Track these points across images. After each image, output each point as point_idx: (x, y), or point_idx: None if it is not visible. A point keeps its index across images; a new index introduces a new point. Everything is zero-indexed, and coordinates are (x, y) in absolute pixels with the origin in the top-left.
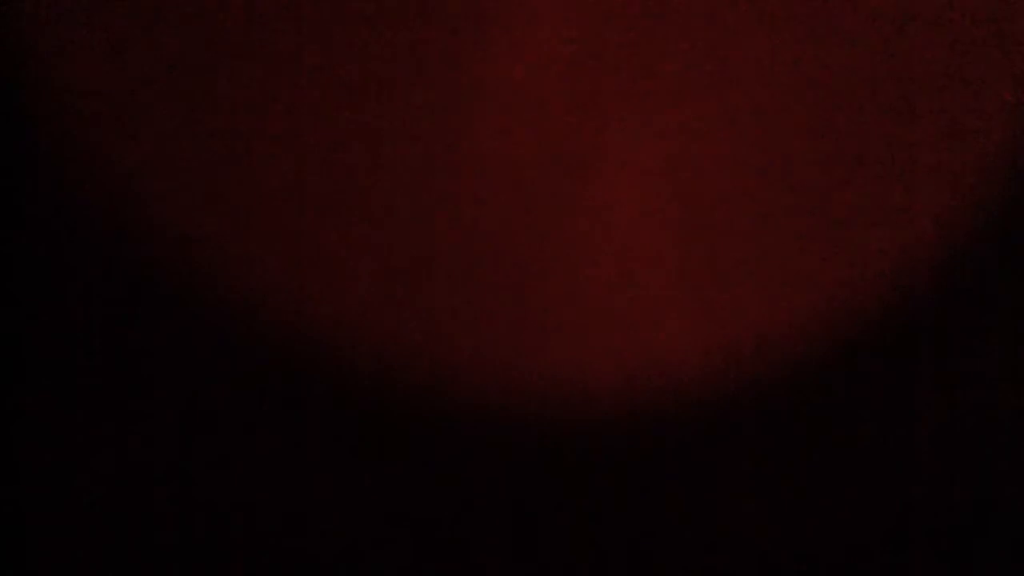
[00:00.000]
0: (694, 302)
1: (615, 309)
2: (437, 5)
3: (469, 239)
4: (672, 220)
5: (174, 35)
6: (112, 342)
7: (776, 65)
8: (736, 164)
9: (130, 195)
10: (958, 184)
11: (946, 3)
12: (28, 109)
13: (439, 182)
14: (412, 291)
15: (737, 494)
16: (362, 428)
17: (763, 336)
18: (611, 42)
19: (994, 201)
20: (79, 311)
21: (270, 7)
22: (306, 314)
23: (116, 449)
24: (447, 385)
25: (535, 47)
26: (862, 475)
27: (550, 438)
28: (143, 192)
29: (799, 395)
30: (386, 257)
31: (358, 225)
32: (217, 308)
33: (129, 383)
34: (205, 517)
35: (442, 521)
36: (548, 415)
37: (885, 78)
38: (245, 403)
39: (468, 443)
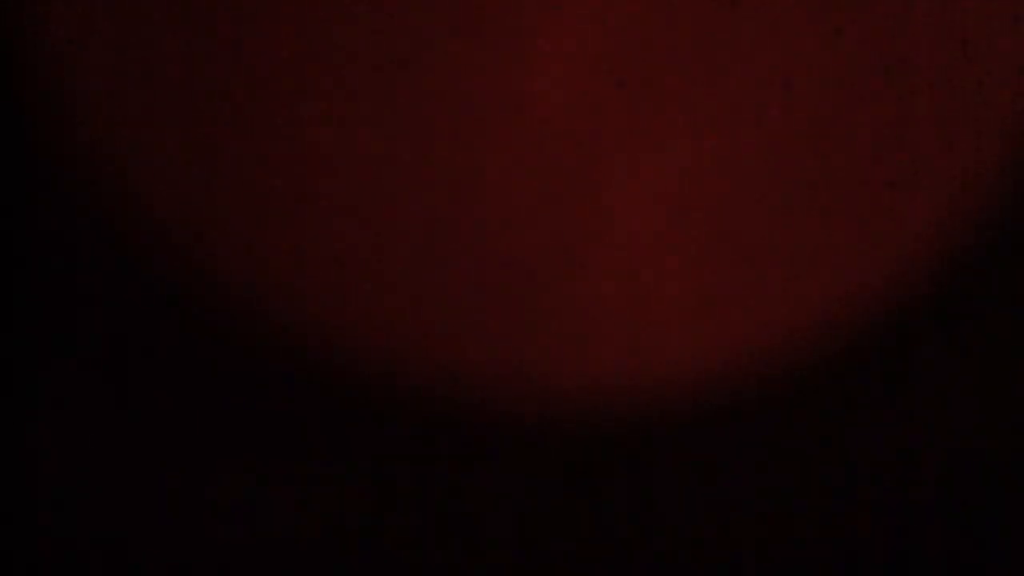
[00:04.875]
0: (698, 304)
1: (621, 315)
2: (443, 13)
3: (475, 247)
4: (677, 224)
5: (177, 33)
6: (112, 343)
7: (777, 67)
8: (738, 168)
9: (130, 194)
10: (958, 185)
11: (947, 3)
12: (28, 109)
13: (445, 189)
14: (416, 299)
15: (740, 494)
16: (366, 433)
17: (766, 338)
18: (619, 55)
19: (994, 201)
20: (78, 314)
21: (274, 9)
22: (310, 319)
23: (114, 451)
24: (451, 391)
25: (546, 56)
26: (863, 475)
27: (556, 443)
28: (143, 191)
29: (801, 396)
30: (390, 265)
31: (363, 233)
32: (219, 311)
33: (128, 384)
34: (204, 521)
35: (446, 526)
36: (554, 420)
37: (886, 80)
38: (246, 405)
39: (474, 448)
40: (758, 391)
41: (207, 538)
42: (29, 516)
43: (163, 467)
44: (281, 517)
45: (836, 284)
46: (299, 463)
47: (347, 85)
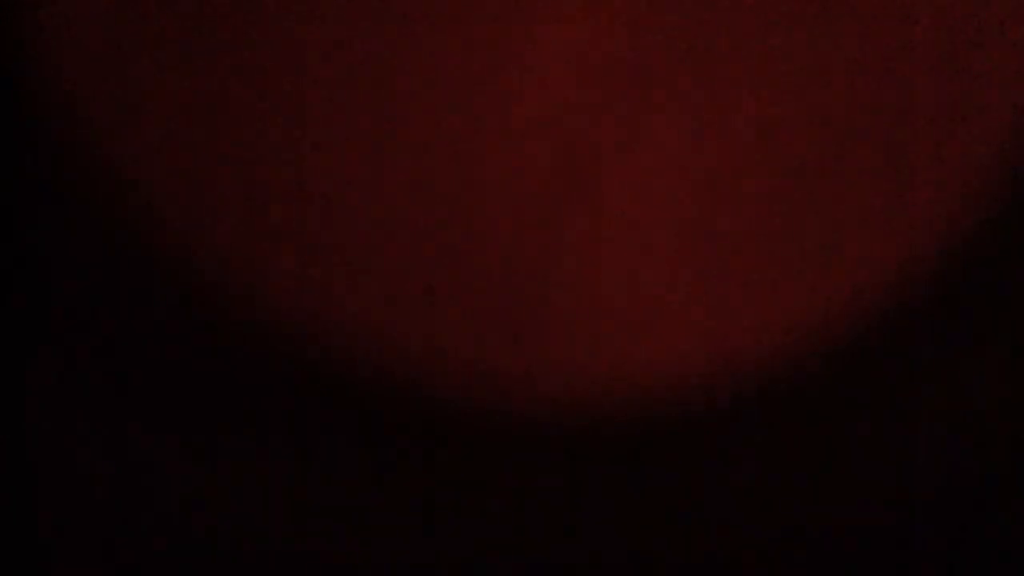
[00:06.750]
0: (698, 304)
1: (621, 311)
2: (441, 5)
3: (474, 245)
4: (677, 222)
5: (177, 31)
6: (111, 345)
7: (777, 68)
8: (739, 167)
9: (130, 193)
10: (958, 185)
11: (947, 4)
12: (28, 109)
13: (444, 186)
14: (414, 297)
15: (740, 494)
16: (365, 432)
17: (766, 337)
18: (616, 47)
19: (994, 202)
20: (78, 315)
21: (276, 7)
22: (308, 317)
23: (113, 452)
24: (448, 389)
25: (543, 50)
26: (863, 475)
27: (557, 435)
28: (142, 190)
29: (801, 395)
30: (388, 260)
31: (362, 228)
32: (218, 307)
33: (128, 386)
34: (204, 523)
35: (447, 525)
36: (556, 412)
37: (885, 80)
38: (246, 403)
39: (472, 440)
40: (759, 391)
41: (204, 533)
42: (27, 513)
43: (161, 465)
44: (283, 518)
45: (838, 284)
46: (300, 463)
47: (346, 79)
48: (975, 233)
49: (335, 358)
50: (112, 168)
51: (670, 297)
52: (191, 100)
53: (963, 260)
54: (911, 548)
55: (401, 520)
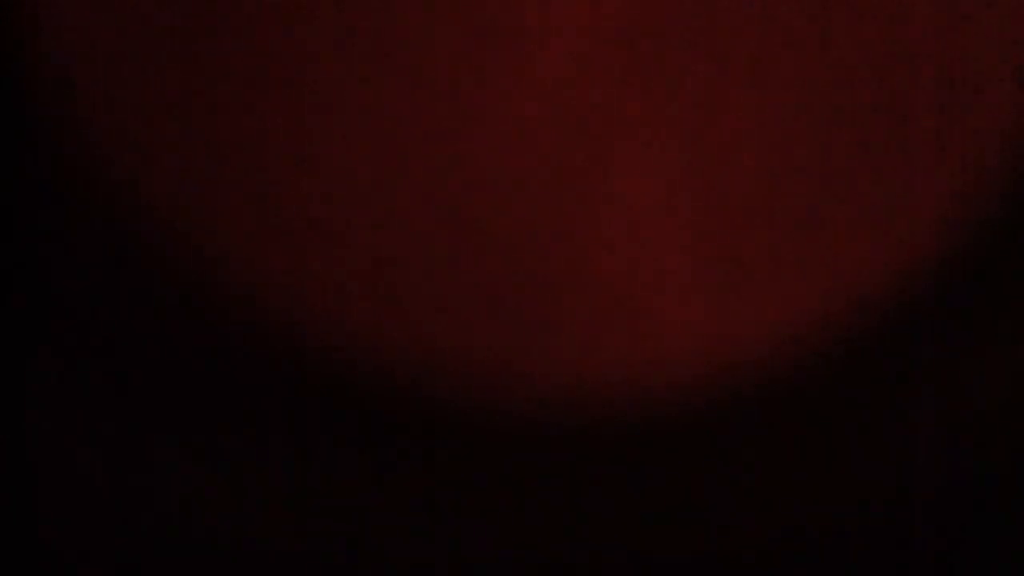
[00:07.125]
0: (698, 304)
1: (621, 311)
2: (446, 8)
3: (475, 235)
4: (680, 220)
5: (178, 31)
6: (111, 345)
7: (777, 67)
8: (739, 167)
9: (130, 193)
10: (958, 185)
11: (947, 4)
12: (28, 109)
13: (444, 183)
14: (413, 289)
15: (740, 493)
16: (365, 432)
17: (766, 337)
18: (617, 45)
19: (994, 202)
20: (78, 315)
21: (275, 7)
22: (308, 316)
23: (113, 452)
24: (448, 389)
25: (543, 49)
26: (863, 475)
27: (557, 435)
28: (142, 190)
29: (801, 395)
30: (388, 259)
31: (362, 228)
32: (219, 306)
33: (128, 386)
34: (204, 523)
35: (447, 525)
36: (556, 412)
37: (886, 81)
38: (246, 406)
39: (472, 440)
40: (759, 391)
41: (204, 533)
42: (27, 513)
43: (161, 465)
44: (283, 518)
45: (838, 284)
46: (300, 463)
47: (346, 80)
48: (975, 233)
49: (335, 358)
50: (112, 168)
51: (670, 297)
52: (191, 100)
53: (963, 260)
54: (911, 548)
55: (401, 520)
